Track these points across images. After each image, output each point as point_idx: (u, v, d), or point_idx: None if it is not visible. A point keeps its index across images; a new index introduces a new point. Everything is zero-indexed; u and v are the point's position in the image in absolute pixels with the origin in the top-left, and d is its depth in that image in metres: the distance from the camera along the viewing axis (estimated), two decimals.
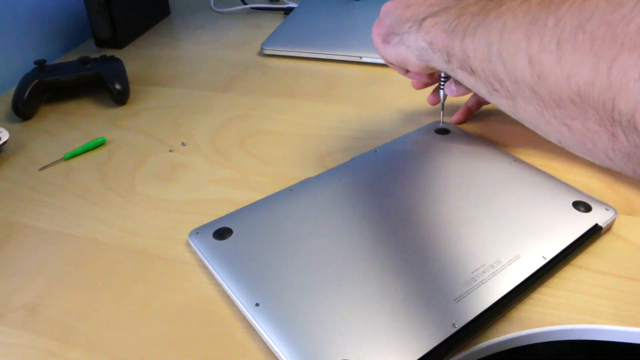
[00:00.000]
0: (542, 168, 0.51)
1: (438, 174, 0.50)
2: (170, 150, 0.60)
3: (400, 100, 0.68)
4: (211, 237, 0.44)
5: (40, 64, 0.69)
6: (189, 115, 0.67)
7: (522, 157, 0.53)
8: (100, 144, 0.61)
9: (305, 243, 0.43)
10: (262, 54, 0.81)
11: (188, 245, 0.46)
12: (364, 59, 0.76)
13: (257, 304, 0.38)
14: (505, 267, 0.40)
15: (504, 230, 0.43)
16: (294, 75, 0.75)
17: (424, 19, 0.39)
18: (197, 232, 0.45)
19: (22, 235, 0.49)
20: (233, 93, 0.71)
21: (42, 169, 0.58)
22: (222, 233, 0.44)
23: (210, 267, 0.42)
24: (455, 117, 0.59)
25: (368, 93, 0.70)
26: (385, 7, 0.48)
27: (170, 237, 0.46)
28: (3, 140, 0.59)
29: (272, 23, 0.92)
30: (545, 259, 0.41)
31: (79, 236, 0.48)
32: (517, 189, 0.48)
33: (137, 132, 0.64)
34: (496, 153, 0.53)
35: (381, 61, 0.76)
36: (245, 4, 0.99)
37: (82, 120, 0.66)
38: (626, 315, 0.39)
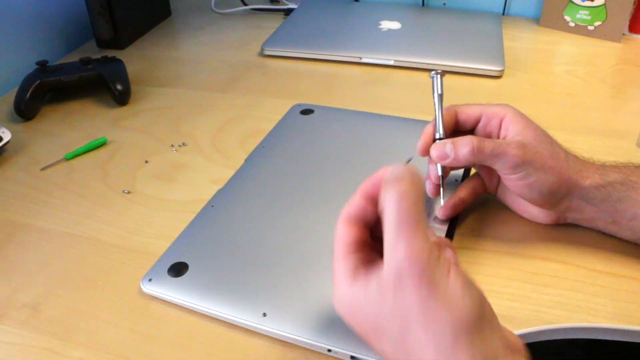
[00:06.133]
0: None
1: (326, 149, 0.56)
2: (174, 150, 0.60)
3: (399, 100, 0.68)
4: (167, 275, 0.42)
5: (42, 65, 0.69)
6: (189, 115, 0.67)
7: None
8: (101, 144, 0.61)
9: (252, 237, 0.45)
10: (262, 54, 0.82)
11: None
12: (364, 60, 0.77)
13: (264, 314, 0.39)
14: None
15: None
16: (294, 76, 0.75)
17: None
18: (149, 278, 0.42)
19: (24, 234, 0.49)
20: (233, 94, 0.72)
21: (43, 169, 0.58)
22: (178, 269, 0.43)
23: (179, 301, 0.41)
24: (442, 212, 0.46)
25: (368, 93, 0.70)
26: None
27: (171, 236, 0.46)
28: (5, 140, 0.59)
29: (272, 24, 0.92)
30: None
31: (81, 235, 0.49)
32: (392, 136, 0.57)
33: (138, 132, 0.64)
34: (359, 116, 0.62)
35: (380, 62, 0.77)
36: (245, 4, 0.99)
37: (83, 121, 0.67)
38: (624, 313, 0.39)
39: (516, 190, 0.43)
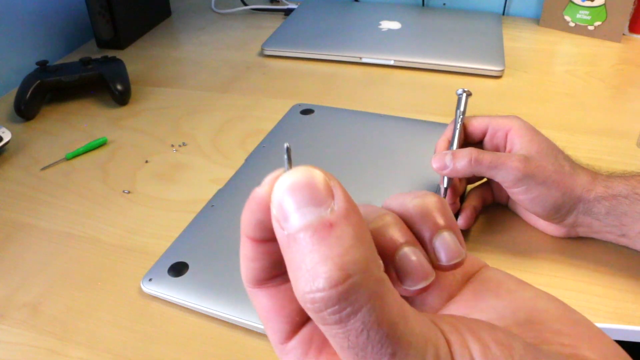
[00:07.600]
0: None
1: (326, 149, 0.56)
2: (174, 150, 0.60)
3: (399, 100, 0.68)
4: (167, 275, 0.42)
5: (42, 65, 0.69)
6: (189, 115, 0.67)
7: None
8: (101, 144, 0.61)
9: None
10: (262, 54, 0.82)
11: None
12: (364, 60, 0.77)
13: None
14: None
15: (413, 172, 0.52)
16: (294, 76, 0.76)
17: None
18: (149, 278, 0.43)
19: (24, 234, 0.49)
20: (233, 93, 0.72)
21: (44, 168, 0.58)
22: (178, 269, 0.43)
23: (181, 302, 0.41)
24: (463, 222, 0.46)
25: (368, 93, 0.70)
26: None
27: (171, 236, 0.46)
28: (5, 140, 0.59)
29: (272, 24, 0.92)
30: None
31: (81, 235, 0.49)
32: (392, 136, 0.57)
33: (138, 132, 0.64)
34: (359, 116, 0.62)
35: (380, 61, 0.77)
36: (245, 5, 0.99)
37: (83, 121, 0.67)
38: (624, 313, 0.39)
39: (520, 203, 0.43)
